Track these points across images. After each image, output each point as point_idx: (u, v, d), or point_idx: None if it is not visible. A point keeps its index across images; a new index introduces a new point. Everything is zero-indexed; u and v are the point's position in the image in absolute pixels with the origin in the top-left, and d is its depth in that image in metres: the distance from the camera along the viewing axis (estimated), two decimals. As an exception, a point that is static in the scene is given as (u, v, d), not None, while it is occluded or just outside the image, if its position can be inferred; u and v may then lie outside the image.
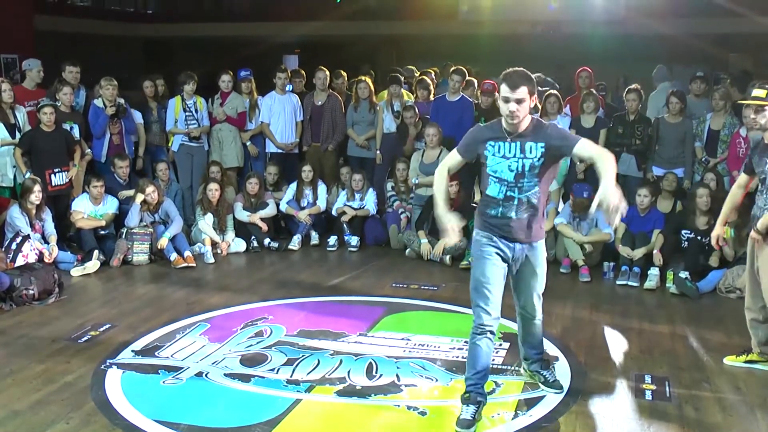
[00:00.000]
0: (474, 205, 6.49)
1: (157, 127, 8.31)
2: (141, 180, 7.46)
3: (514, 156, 3.66)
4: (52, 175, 7.14)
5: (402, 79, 8.73)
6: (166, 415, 3.93)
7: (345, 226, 7.93)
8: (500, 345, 4.86)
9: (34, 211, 6.69)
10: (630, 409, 4.07)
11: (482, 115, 7.71)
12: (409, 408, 4.05)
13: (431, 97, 8.40)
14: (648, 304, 6.07)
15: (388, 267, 7.13)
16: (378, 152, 8.35)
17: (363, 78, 8.64)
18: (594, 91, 7.95)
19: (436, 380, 4.40)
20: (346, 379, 4.40)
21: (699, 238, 6.57)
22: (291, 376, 4.44)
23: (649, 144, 7.46)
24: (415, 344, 4.97)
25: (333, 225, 8.17)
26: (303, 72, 9.25)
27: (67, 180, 7.32)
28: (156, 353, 4.82)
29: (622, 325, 5.46)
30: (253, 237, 7.74)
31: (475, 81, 8.74)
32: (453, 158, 3.90)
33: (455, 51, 14.46)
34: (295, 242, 7.81)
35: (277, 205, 8.05)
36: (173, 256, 7.03)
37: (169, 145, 8.39)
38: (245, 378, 4.42)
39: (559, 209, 7.33)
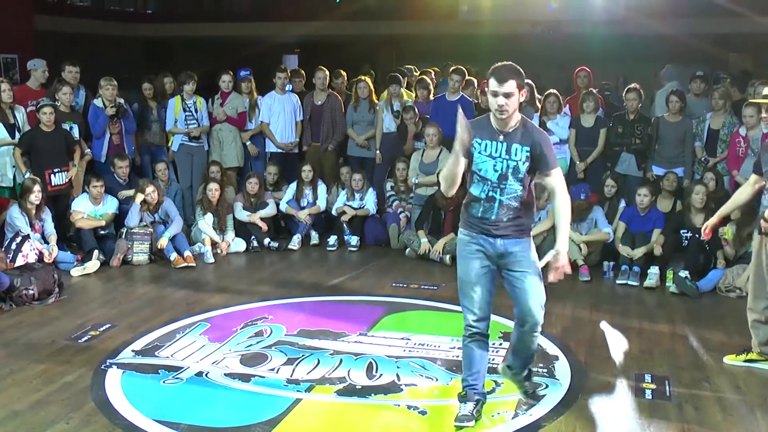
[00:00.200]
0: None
1: (157, 127, 8.31)
2: (141, 180, 7.46)
3: (500, 156, 3.56)
4: (52, 175, 7.14)
5: (402, 78, 8.73)
6: (166, 415, 3.93)
7: (345, 225, 7.93)
8: (500, 344, 4.86)
9: (33, 211, 6.69)
10: (630, 408, 4.07)
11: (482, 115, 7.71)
12: (409, 407, 4.05)
13: (431, 97, 8.40)
14: (648, 304, 6.07)
15: (388, 267, 7.13)
16: (378, 152, 8.36)
17: (363, 78, 8.64)
18: (594, 91, 7.95)
19: (437, 380, 4.40)
20: (347, 378, 4.40)
21: (697, 236, 6.57)
22: (291, 376, 4.44)
23: (649, 143, 7.46)
24: (415, 344, 4.97)
25: (333, 225, 8.18)
26: (303, 72, 9.25)
27: (67, 180, 7.32)
28: (156, 353, 4.82)
29: (622, 325, 5.46)
30: (253, 237, 7.74)
31: (475, 81, 8.74)
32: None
33: (455, 51, 14.43)
34: (295, 242, 7.81)
35: (277, 204, 8.05)
36: (173, 255, 7.03)
37: (169, 144, 8.39)
38: (245, 378, 4.42)
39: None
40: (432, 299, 6.02)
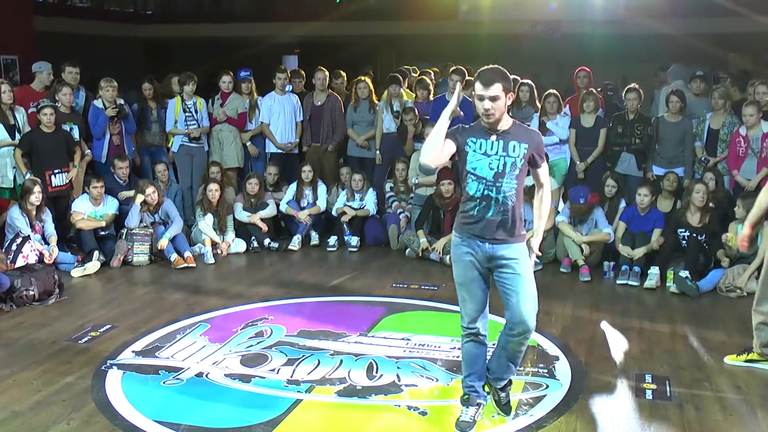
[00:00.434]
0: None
1: (157, 128, 8.31)
2: (141, 181, 7.46)
3: (496, 153, 3.54)
4: (52, 176, 7.15)
5: (401, 79, 8.73)
6: (166, 416, 3.93)
7: (345, 226, 7.93)
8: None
9: (34, 212, 6.69)
10: (630, 408, 4.07)
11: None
12: (409, 408, 4.05)
13: (431, 97, 8.40)
14: (648, 304, 6.07)
15: (388, 267, 7.13)
16: (378, 152, 8.36)
17: (363, 78, 8.64)
18: (594, 91, 7.95)
19: (437, 380, 4.40)
20: (347, 379, 4.40)
21: (695, 235, 6.58)
22: (291, 377, 4.44)
23: (649, 143, 7.46)
24: (415, 344, 4.97)
25: (333, 225, 8.18)
26: (303, 72, 9.25)
27: (67, 181, 7.32)
28: (156, 354, 4.82)
29: (622, 325, 5.46)
30: (253, 237, 7.74)
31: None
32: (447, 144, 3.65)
33: (455, 51, 14.45)
34: (295, 242, 7.82)
35: (277, 205, 8.05)
36: (173, 256, 7.03)
37: (169, 145, 8.39)
38: (245, 378, 4.42)
39: (560, 209, 7.33)
40: (432, 300, 6.02)
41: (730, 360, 4.68)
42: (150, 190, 7.21)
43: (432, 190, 7.52)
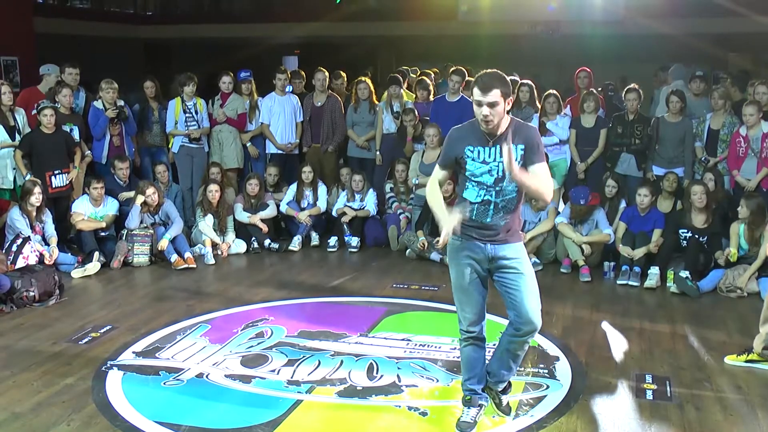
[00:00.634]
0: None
1: (158, 128, 8.31)
2: (141, 181, 7.46)
3: (494, 160, 3.49)
4: (53, 177, 7.15)
5: (401, 79, 8.73)
6: (167, 417, 3.93)
7: (345, 226, 7.93)
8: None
9: (34, 213, 6.70)
10: (631, 408, 4.07)
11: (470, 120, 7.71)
12: (410, 408, 4.05)
13: (431, 98, 8.40)
14: (648, 304, 6.07)
15: (389, 268, 7.13)
16: (378, 153, 8.36)
17: (363, 79, 8.64)
18: (594, 91, 7.95)
19: (437, 381, 4.40)
20: (347, 379, 4.40)
21: (697, 236, 6.58)
22: (292, 377, 4.44)
23: (649, 143, 7.46)
24: (415, 345, 4.97)
25: (333, 226, 8.17)
26: (303, 73, 9.25)
27: (68, 182, 7.32)
28: (157, 354, 4.82)
29: (622, 325, 5.46)
30: (253, 238, 7.74)
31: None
32: (438, 173, 3.70)
33: (455, 52, 14.45)
34: (296, 243, 7.82)
35: (278, 206, 8.05)
36: (173, 257, 7.03)
37: (170, 146, 8.39)
38: (246, 379, 4.42)
39: (560, 209, 7.33)
40: (432, 300, 6.02)
41: (730, 360, 4.68)
42: (150, 191, 7.21)
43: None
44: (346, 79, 9.24)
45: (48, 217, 6.85)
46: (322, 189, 8.13)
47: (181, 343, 5.01)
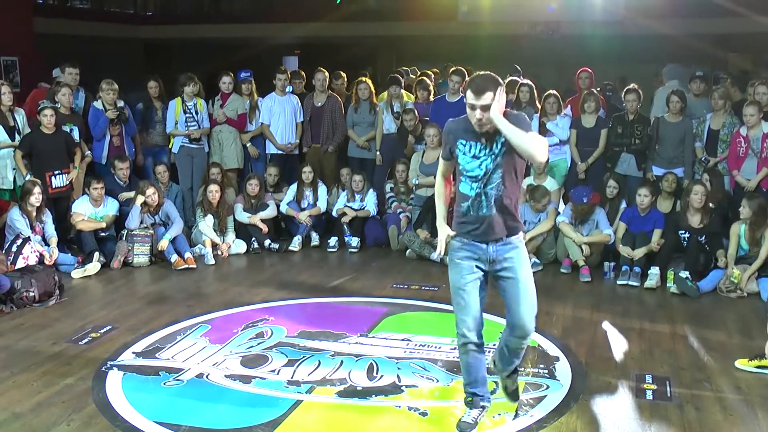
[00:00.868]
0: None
1: (161, 128, 8.30)
2: (141, 182, 7.46)
3: (485, 155, 3.52)
4: (53, 177, 7.15)
5: (402, 79, 8.73)
6: (167, 417, 3.93)
7: (345, 227, 7.93)
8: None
9: (34, 213, 6.70)
10: (631, 408, 4.07)
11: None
12: (410, 409, 4.05)
13: (431, 98, 8.40)
14: (648, 304, 6.07)
15: (389, 268, 7.13)
16: (378, 153, 8.36)
17: (363, 79, 8.64)
18: (595, 91, 7.96)
19: (437, 381, 4.40)
20: (347, 380, 4.40)
21: (696, 236, 6.57)
22: (292, 377, 4.44)
23: (649, 144, 7.46)
24: (415, 345, 4.97)
25: (333, 226, 8.17)
26: (303, 73, 9.25)
27: (68, 182, 7.32)
28: (157, 355, 4.82)
29: (622, 325, 5.46)
30: (253, 238, 7.74)
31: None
32: (442, 165, 3.79)
33: (455, 52, 14.46)
34: (296, 243, 7.81)
35: (278, 206, 8.05)
36: (174, 257, 7.03)
37: (170, 146, 8.39)
38: (246, 379, 4.42)
39: (560, 209, 7.33)
40: (432, 300, 6.02)
41: (741, 364, 4.60)
42: (150, 191, 7.21)
43: (432, 191, 7.52)
44: (346, 79, 9.24)
45: (48, 218, 6.85)
46: (322, 189, 8.13)
47: (181, 344, 5.01)
